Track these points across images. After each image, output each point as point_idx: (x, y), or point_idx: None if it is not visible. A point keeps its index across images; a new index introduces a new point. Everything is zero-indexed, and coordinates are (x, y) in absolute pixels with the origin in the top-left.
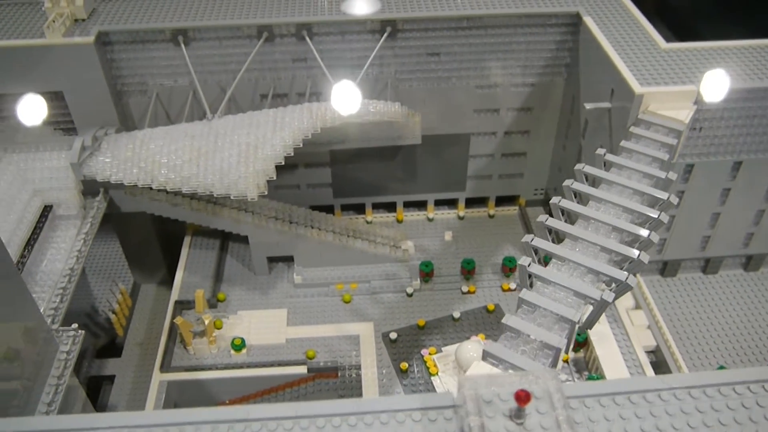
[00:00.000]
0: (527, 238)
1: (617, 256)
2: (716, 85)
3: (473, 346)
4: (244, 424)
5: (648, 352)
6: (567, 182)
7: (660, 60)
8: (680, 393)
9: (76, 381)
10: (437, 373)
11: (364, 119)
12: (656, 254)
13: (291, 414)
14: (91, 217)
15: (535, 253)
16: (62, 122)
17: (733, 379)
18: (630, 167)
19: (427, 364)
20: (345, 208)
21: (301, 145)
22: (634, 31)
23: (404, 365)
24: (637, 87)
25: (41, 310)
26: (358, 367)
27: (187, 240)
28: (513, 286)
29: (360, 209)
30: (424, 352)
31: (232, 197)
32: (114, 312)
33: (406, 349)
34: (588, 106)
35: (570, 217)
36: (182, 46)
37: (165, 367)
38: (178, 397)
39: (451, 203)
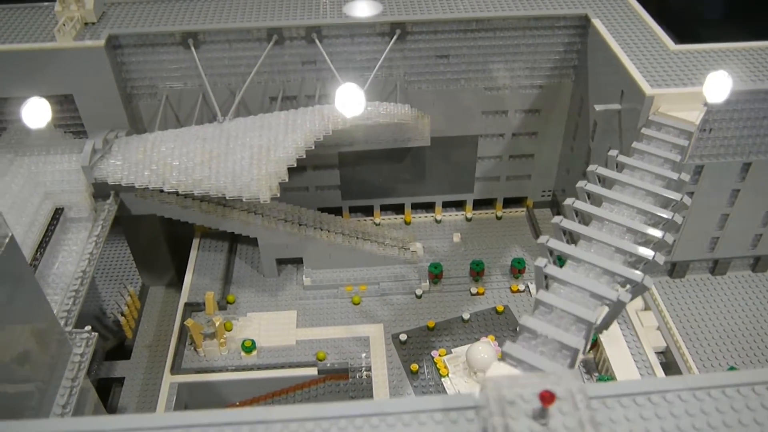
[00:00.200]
0: (542, 239)
1: (632, 257)
2: (719, 86)
3: (484, 348)
4: (265, 425)
5: (658, 353)
6: (580, 183)
7: (669, 61)
8: (700, 393)
9: (89, 383)
10: (448, 375)
11: (374, 121)
12: (665, 255)
13: (312, 415)
14: (102, 220)
15: (550, 254)
16: (72, 125)
17: (754, 379)
18: (643, 168)
19: (438, 366)
20: (353, 210)
21: (313, 147)
22: (642, 32)
23: (414, 366)
24: (647, 88)
25: (54, 313)
26: (369, 369)
27: (195, 242)
28: (522, 287)
29: (368, 211)
30: (434, 353)
31: (244, 199)
32: (123, 314)
33: (416, 351)
34: (598, 107)
35: (583, 218)
36: (192, 49)
37: (175, 369)
38: (189, 399)
39: (459, 205)
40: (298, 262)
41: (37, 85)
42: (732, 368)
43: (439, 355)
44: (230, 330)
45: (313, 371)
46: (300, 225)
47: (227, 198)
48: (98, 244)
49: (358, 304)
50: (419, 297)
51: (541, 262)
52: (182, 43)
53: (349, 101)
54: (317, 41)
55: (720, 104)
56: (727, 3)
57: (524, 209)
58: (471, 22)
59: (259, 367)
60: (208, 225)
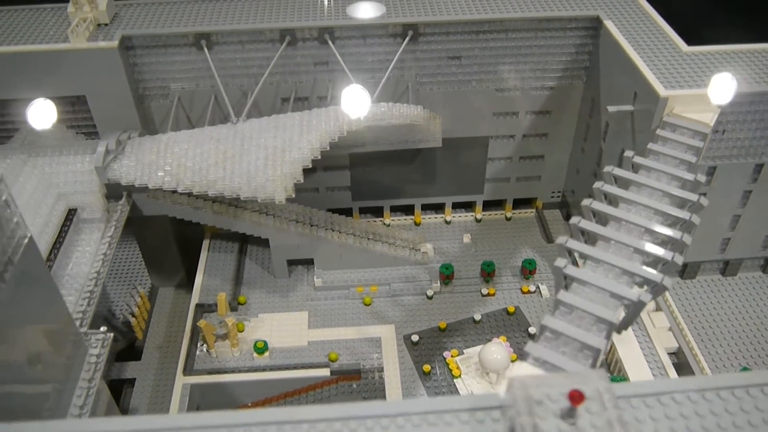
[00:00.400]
0: (561, 239)
1: (650, 257)
2: (724, 88)
3: (497, 348)
4: (292, 425)
5: (670, 354)
6: (597, 184)
7: (682, 63)
8: (724, 393)
9: (104, 384)
10: (460, 375)
11: (388, 122)
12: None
13: (339, 415)
14: (115, 221)
15: (568, 255)
16: (84, 126)
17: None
18: (659, 169)
19: (450, 367)
20: (363, 210)
21: (328, 148)
22: (654, 34)
23: (427, 367)
24: (661, 90)
25: (70, 314)
26: (381, 370)
27: (205, 243)
28: (533, 288)
29: (377, 212)
30: (446, 354)
31: (259, 200)
32: (134, 315)
33: (427, 352)
34: (611, 109)
35: (600, 219)
36: (205, 50)
37: (188, 370)
38: (200, 400)
39: (468, 206)
40: (308, 263)
41: (50, 86)
42: (745, 369)
43: (452, 356)
44: (242, 331)
45: (325, 372)
46: (311, 226)
47: (242, 199)
48: (111, 245)
49: (370, 304)
50: (430, 298)
51: (561, 262)
52: (195, 44)
53: (355, 102)
54: (330, 42)
55: (733, 105)
56: (726, 4)
57: (533, 210)
58: (483, 24)
59: (272, 368)
60: (219, 226)
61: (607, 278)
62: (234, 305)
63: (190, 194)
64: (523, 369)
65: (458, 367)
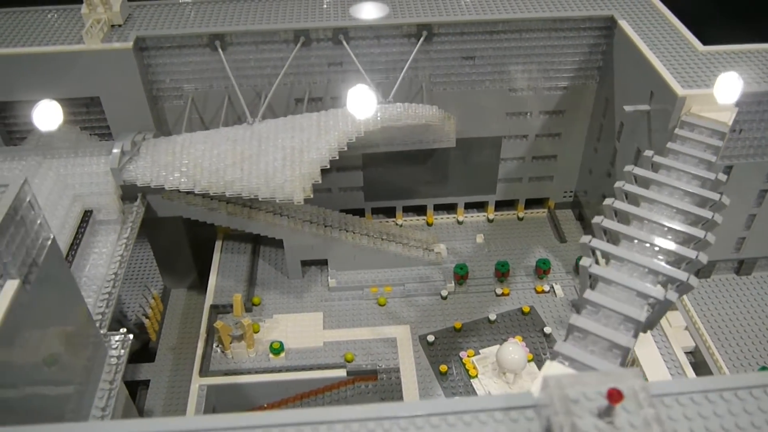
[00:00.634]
0: (585, 238)
1: (673, 256)
2: (729, 87)
3: (514, 348)
4: (327, 425)
5: (687, 353)
6: (618, 183)
7: (698, 62)
8: (756, 391)
9: (123, 386)
10: (477, 375)
11: (404, 122)
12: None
13: (373, 415)
14: (131, 222)
15: (592, 254)
16: (97, 127)
17: None
18: (680, 169)
19: (467, 367)
20: (375, 211)
21: (346, 149)
22: (669, 33)
23: (444, 368)
24: (679, 89)
25: (91, 315)
26: (397, 370)
27: (218, 244)
28: (546, 288)
29: (390, 213)
30: (462, 354)
31: (277, 201)
32: (147, 317)
33: (443, 352)
34: (627, 108)
35: (621, 218)
36: (220, 51)
37: (204, 372)
38: (216, 401)
39: (480, 206)
40: (321, 263)
41: (64, 87)
42: (763, 368)
43: (468, 356)
44: (257, 332)
45: (341, 373)
46: (325, 227)
47: (260, 199)
48: (128, 247)
49: (384, 305)
50: (445, 298)
51: (586, 261)
52: (209, 44)
53: (361, 103)
54: (344, 43)
55: (750, 104)
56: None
57: (545, 210)
58: (498, 24)
59: (288, 369)
60: (234, 227)
61: (632, 277)
62: (248, 306)
63: (204, 195)
64: (555, 368)
65: (475, 367)
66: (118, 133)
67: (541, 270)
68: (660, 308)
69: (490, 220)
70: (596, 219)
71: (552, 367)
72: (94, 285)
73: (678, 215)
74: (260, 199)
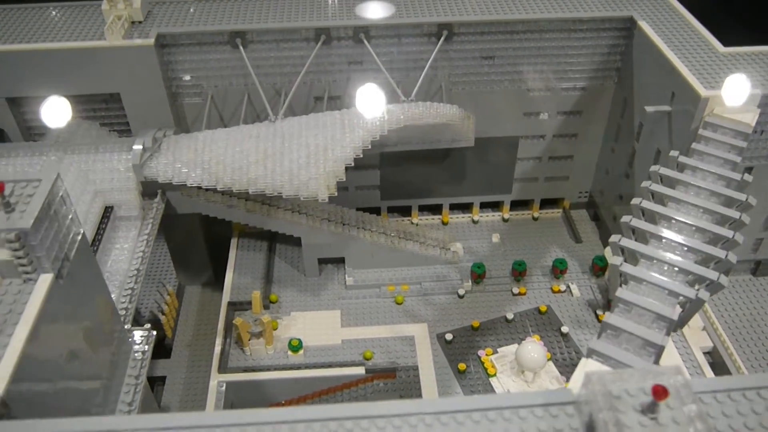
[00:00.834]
0: (614, 238)
1: (702, 255)
2: (736, 89)
3: (533, 347)
4: (369, 420)
5: (705, 353)
6: (645, 183)
7: (720, 63)
8: None
9: (146, 381)
10: (496, 374)
11: (425, 121)
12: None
13: (414, 410)
14: (151, 218)
15: (621, 253)
16: (116, 124)
17: None
18: (706, 169)
19: (485, 365)
20: (390, 210)
21: (370, 147)
22: (689, 35)
23: (462, 366)
24: (702, 90)
25: (117, 310)
26: (415, 368)
27: (233, 242)
28: (563, 287)
29: (405, 211)
30: (480, 353)
31: (301, 198)
32: (163, 313)
33: (461, 350)
34: (649, 109)
35: (648, 218)
36: (241, 48)
37: (222, 368)
38: (234, 397)
39: (494, 206)
40: (338, 261)
41: (85, 83)
42: None
43: (486, 355)
44: (276, 329)
45: (360, 370)
46: (343, 225)
47: (284, 197)
48: (149, 243)
49: (401, 303)
50: (462, 297)
51: (617, 260)
52: (230, 42)
53: (370, 102)
54: (365, 41)
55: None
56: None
57: (560, 210)
58: (518, 24)
59: (307, 366)
60: (252, 224)
61: (663, 276)
62: (266, 303)
63: (223, 192)
64: (592, 366)
65: (493, 366)
66: (138, 130)
67: (558, 270)
68: (691, 307)
69: (505, 220)
70: (625, 218)
71: (589, 365)
72: (116, 280)
73: (705, 215)
74: (284, 197)
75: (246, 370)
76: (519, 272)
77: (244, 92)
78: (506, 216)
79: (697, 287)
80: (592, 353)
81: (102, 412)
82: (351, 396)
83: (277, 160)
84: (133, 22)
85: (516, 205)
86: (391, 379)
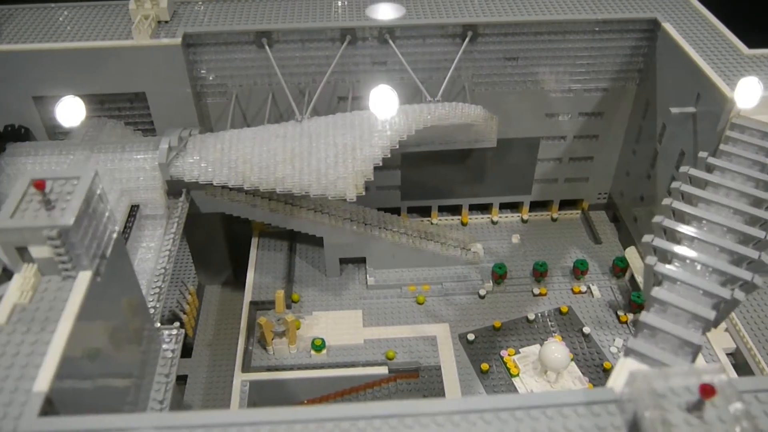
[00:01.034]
0: (647, 238)
1: (735, 256)
2: (749, 92)
3: (557, 347)
4: (413, 418)
5: (728, 354)
6: (675, 184)
7: (744, 65)
8: None
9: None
10: (518, 374)
11: (450, 122)
12: None
13: (455, 409)
14: (177, 217)
15: (654, 252)
16: (140, 123)
17: None
18: (735, 171)
19: (508, 365)
20: (410, 210)
21: (398, 147)
22: (713, 36)
23: (485, 366)
24: (729, 92)
25: (148, 308)
26: (438, 368)
27: (254, 241)
28: (584, 288)
29: (424, 212)
30: (503, 353)
31: (329, 197)
32: (185, 312)
33: (483, 350)
34: (674, 110)
35: (678, 218)
36: (267, 48)
37: (245, 367)
38: (257, 397)
39: (513, 206)
40: (358, 261)
41: (111, 82)
42: None
43: (509, 355)
44: (299, 328)
45: (383, 370)
46: (365, 225)
47: (311, 196)
48: (175, 242)
49: (423, 303)
50: (483, 297)
51: (651, 260)
52: (255, 42)
53: (383, 103)
54: (390, 42)
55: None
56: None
57: (579, 211)
58: (542, 25)
59: (330, 366)
60: (275, 224)
61: (697, 276)
62: (287, 303)
63: (247, 192)
64: (631, 365)
65: (516, 366)
66: (162, 129)
67: (579, 270)
68: (726, 307)
69: (524, 221)
70: (657, 218)
71: (628, 364)
72: (143, 279)
73: (735, 216)
74: (311, 196)
75: (269, 369)
76: (540, 273)
77: (269, 92)
78: (525, 217)
79: (730, 287)
80: (630, 352)
81: (134, 409)
82: (374, 395)
83: (305, 159)
84: (159, 22)
85: (534, 206)
86: (414, 379)
